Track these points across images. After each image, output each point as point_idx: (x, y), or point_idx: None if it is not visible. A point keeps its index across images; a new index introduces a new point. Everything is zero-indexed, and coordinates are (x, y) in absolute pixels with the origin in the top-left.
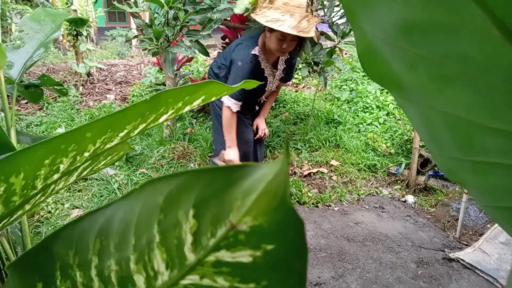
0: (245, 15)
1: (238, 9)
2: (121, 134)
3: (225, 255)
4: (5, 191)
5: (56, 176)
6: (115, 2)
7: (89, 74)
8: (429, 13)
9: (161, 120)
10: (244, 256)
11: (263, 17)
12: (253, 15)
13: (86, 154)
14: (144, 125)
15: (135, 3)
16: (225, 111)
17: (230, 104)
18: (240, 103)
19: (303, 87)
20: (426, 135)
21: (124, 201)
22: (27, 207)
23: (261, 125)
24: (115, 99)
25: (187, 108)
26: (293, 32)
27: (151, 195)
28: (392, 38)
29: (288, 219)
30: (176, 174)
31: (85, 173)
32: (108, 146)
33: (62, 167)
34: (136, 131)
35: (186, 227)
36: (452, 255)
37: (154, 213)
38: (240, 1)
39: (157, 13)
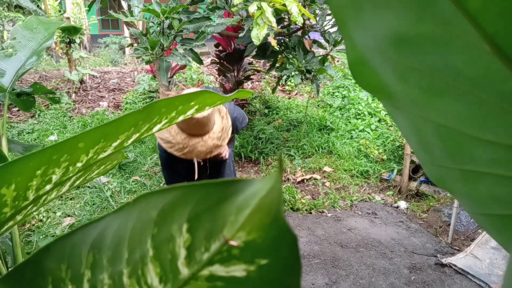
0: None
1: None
2: (115, 144)
3: (219, 269)
4: None
5: (48, 187)
6: (111, 11)
7: (82, 81)
8: (421, 26)
9: (154, 129)
10: (238, 270)
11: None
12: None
13: (79, 165)
14: (137, 134)
15: (131, 12)
16: None
17: None
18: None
19: (296, 94)
20: (415, 143)
21: (117, 215)
22: (19, 217)
23: None
24: (108, 106)
25: (181, 118)
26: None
27: (144, 209)
28: (383, 49)
29: (282, 234)
30: (170, 189)
31: (78, 182)
32: (101, 156)
33: (54, 178)
34: (130, 141)
35: (180, 241)
36: (445, 260)
37: (148, 227)
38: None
39: (152, 22)
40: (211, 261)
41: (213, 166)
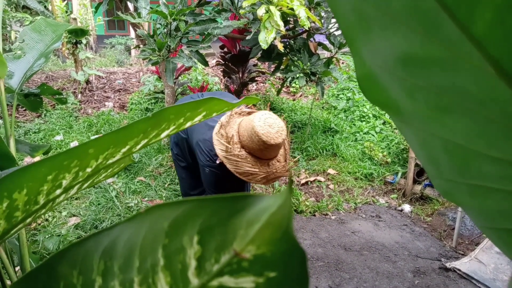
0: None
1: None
2: (123, 150)
3: (228, 281)
4: (8, 207)
5: (58, 191)
6: (119, 13)
7: (88, 81)
8: (427, 48)
9: (162, 135)
10: (247, 282)
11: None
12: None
13: (89, 170)
14: (146, 140)
15: (138, 14)
16: None
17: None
18: None
19: (300, 95)
20: (423, 157)
21: (129, 224)
22: (29, 220)
23: None
24: (114, 106)
25: (188, 124)
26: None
27: (156, 220)
28: (391, 68)
29: (291, 249)
30: (181, 202)
31: (86, 185)
32: (110, 161)
33: (64, 183)
34: (138, 147)
35: (190, 252)
36: (449, 264)
37: (159, 237)
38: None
39: (159, 24)
40: (221, 273)
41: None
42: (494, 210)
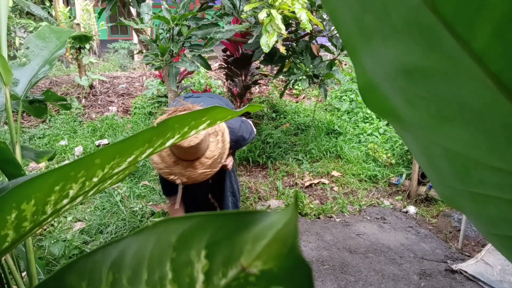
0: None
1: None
2: (129, 159)
3: None
4: (17, 218)
5: (65, 201)
6: (121, 19)
7: (91, 86)
8: (427, 60)
9: (167, 144)
10: None
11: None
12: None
13: (95, 179)
14: (151, 149)
15: (141, 20)
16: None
17: (167, 201)
18: (173, 197)
19: (303, 97)
20: (424, 164)
21: (137, 237)
22: (36, 229)
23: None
24: (117, 111)
25: (193, 132)
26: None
27: (164, 233)
28: (392, 77)
29: (297, 265)
30: (189, 216)
31: (91, 193)
32: (116, 170)
33: (71, 193)
34: (143, 156)
35: (198, 266)
36: (455, 266)
37: (167, 251)
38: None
39: (162, 29)
40: (228, 287)
41: (215, 175)
42: (495, 217)
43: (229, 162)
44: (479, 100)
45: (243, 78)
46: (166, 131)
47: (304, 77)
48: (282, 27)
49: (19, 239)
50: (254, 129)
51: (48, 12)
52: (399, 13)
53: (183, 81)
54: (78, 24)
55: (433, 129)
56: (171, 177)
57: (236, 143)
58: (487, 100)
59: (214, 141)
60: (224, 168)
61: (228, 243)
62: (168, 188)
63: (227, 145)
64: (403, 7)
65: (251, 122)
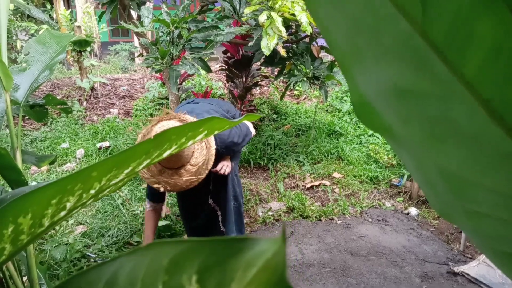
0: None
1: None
2: (126, 171)
3: None
4: (13, 231)
5: (63, 213)
6: (122, 22)
7: (92, 89)
8: (419, 83)
9: (165, 155)
10: None
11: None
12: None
13: (92, 192)
14: (148, 160)
15: (141, 23)
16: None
17: (147, 204)
18: (154, 204)
19: (304, 98)
20: (419, 179)
21: (130, 257)
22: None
23: (223, 161)
24: (119, 113)
25: (190, 143)
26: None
27: (156, 256)
28: (385, 96)
29: None
30: (181, 241)
31: (89, 202)
32: (113, 182)
33: (68, 205)
34: (141, 167)
35: None
36: (457, 269)
37: (159, 273)
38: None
39: (162, 32)
40: None
41: (216, 180)
42: (490, 234)
43: (225, 168)
44: (471, 124)
45: (244, 80)
46: (163, 143)
47: (305, 78)
48: (283, 29)
49: (17, 251)
50: (252, 130)
51: (49, 15)
52: (390, 37)
53: (184, 83)
54: (79, 27)
55: (427, 147)
56: (156, 185)
57: (227, 149)
58: (478, 124)
59: (198, 148)
60: (218, 174)
61: (219, 269)
62: (155, 196)
63: (213, 151)
64: (394, 31)
65: (249, 123)
